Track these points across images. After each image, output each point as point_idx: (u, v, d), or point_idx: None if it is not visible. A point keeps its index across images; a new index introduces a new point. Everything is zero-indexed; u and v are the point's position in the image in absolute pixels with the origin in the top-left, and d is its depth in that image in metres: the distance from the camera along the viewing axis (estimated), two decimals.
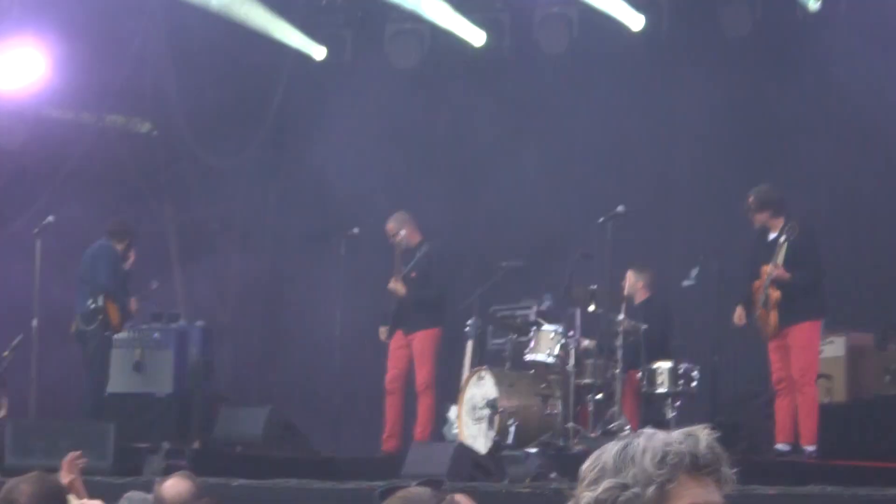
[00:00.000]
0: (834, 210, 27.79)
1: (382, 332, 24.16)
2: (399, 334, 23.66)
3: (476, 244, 27.26)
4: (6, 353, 23.52)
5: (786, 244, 20.68)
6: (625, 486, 3.68)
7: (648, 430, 3.65)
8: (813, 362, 20.97)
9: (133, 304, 23.38)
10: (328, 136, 29.68)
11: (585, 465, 3.86)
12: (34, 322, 22.92)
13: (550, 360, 21.21)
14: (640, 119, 29.66)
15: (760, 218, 21.45)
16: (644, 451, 3.60)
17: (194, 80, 28.64)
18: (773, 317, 20.64)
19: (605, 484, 3.73)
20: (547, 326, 21.71)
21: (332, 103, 30.82)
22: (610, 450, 3.79)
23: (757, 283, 21.18)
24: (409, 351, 23.68)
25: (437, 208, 27.70)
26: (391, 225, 24.98)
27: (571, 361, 21.12)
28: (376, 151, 30.12)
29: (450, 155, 30.73)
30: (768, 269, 20.50)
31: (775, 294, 20.64)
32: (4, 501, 9.86)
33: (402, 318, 23.73)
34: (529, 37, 30.32)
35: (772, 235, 21.04)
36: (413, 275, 23.92)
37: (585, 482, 3.80)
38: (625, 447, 3.70)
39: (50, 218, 23.97)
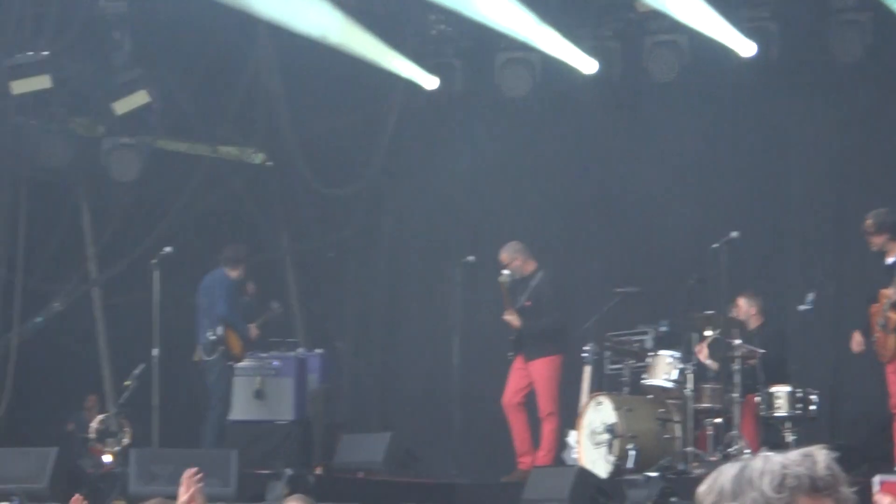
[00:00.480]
0: None
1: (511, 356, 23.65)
2: (520, 359, 23.41)
3: (591, 270, 27.02)
4: (128, 382, 23.55)
5: None
6: None
7: (766, 453, 3.59)
8: None
9: (253, 331, 23.58)
10: (440, 165, 30.12)
11: (702, 489, 3.77)
12: (155, 351, 22.87)
13: (668, 384, 21.26)
14: (752, 144, 29.56)
15: (878, 241, 21.26)
16: (762, 474, 3.52)
17: (307, 111, 28.78)
18: (892, 340, 20.45)
19: None
20: (663, 352, 21.71)
21: (444, 132, 30.99)
22: (727, 473, 3.71)
23: (875, 306, 20.89)
24: (528, 373, 23.56)
25: (552, 235, 27.71)
26: (504, 255, 24.89)
27: (690, 386, 21.17)
28: (487, 180, 29.96)
29: (562, 182, 30.03)
30: (888, 293, 20.29)
31: (894, 317, 20.43)
32: None
33: (521, 345, 23.47)
34: (639, 64, 29.45)
35: (890, 259, 20.90)
36: (528, 303, 23.72)
37: None
38: (742, 470, 3.62)
39: (168, 249, 23.94)
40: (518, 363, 23.05)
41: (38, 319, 26.05)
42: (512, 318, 23.09)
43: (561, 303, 23.82)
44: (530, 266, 24.03)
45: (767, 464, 3.54)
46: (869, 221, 21.58)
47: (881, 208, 21.82)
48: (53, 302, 26.99)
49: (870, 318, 21.02)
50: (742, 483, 3.55)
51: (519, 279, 23.74)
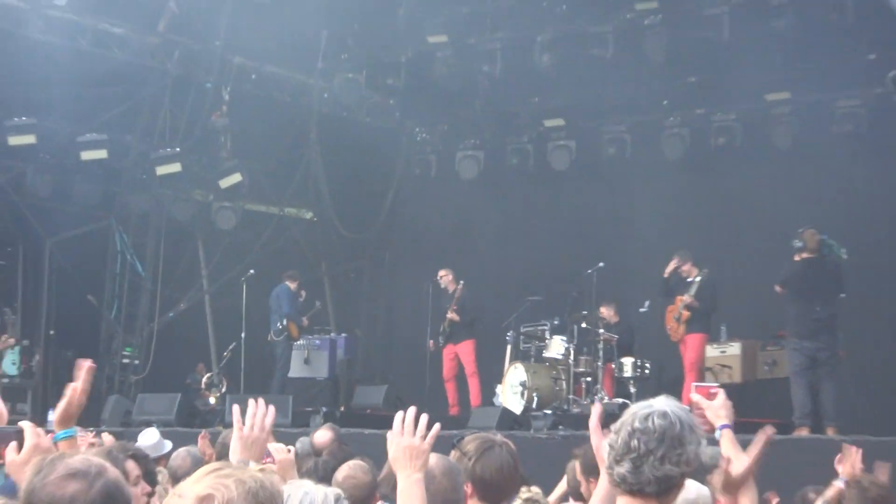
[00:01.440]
0: None
1: (431, 344, 23.55)
2: (449, 346, 23.12)
3: (512, 284, 25.26)
4: (226, 354, 24.47)
5: (698, 282, 20.41)
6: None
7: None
8: (695, 360, 20.66)
9: (304, 322, 23.71)
10: (426, 218, 29.19)
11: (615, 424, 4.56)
12: (242, 335, 23.26)
13: (559, 356, 21.00)
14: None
15: (685, 268, 20.59)
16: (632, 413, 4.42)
17: (338, 182, 28.22)
18: (682, 329, 20.63)
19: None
20: (556, 336, 21.41)
21: (429, 198, 29.76)
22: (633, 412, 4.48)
23: (670, 307, 21.13)
24: (455, 353, 23.23)
25: (493, 264, 26.28)
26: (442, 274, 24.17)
27: (571, 358, 20.93)
28: (460, 227, 27.90)
29: (517, 236, 27.11)
30: (683, 298, 20.44)
31: (686, 314, 20.43)
32: (221, 444, 9.77)
33: (451, 336, 22.96)
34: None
35: (689, 279, 20.49)
36: (455, 308, 22.92)
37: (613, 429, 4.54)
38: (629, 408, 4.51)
39: (251, 271, 24.07)
40: (447, 349, 23.11)
41: (170, 315, 26.41)
42: (453, 316, 22.76)
43: (476, 307, 23.35)
44: (454, 284, 23.29)
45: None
46: (678, 258, 20.81)
47: (685, 249, 21.06)
48: (180, 304, 26.68)
49: (666, 315, 21.12)
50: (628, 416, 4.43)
51: (451, 291, 23.34)
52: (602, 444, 4.89)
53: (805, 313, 17.63)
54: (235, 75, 25.66)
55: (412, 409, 5.31)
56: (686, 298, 20.27)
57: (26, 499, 3.74)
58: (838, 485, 8.89)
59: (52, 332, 24.65)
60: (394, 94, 27.86)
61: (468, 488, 5.98)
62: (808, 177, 22.73)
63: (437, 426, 5.30)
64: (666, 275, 21.06)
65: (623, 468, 4.33)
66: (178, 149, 24.71)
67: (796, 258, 17.86)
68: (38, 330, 24.30)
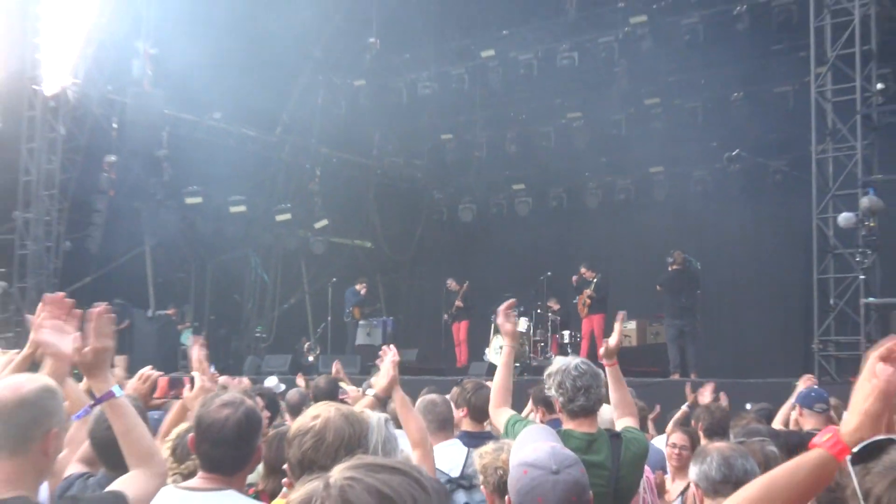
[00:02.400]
0: None
1: (446, 317, 21.85)
2: (455, 323, 21.35)
3: (495, 288, 20.63)
4: (319, 330, 23.30)
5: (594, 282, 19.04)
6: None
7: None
8: (597, 331, 19.03)
9: (365, 311, 22.03)
10: (446, 241, 27.18)
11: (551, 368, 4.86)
12: (329, 318, 22.24)
13: (523, 330, 19.01)
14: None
15: (588, 274, 19.68)
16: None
17: (386, 219, 26.83)
18: (586, 311, 19.32)
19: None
20: (522, 318, 19.25)
21: (446, 229, 27.51)
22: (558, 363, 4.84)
23: (580, 297, 19.86)
24: (459, 328, 21.36)
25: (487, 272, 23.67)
26: (450, 282, 22.60)
27: (532, 332, 19.67)
28: (467, 251, 25.81)
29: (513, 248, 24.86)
30: (587, 291, 19.44)
31: (588, 301, 19.27)
32: (314, 385, 9.02)
33: (455, 316, 21.23)
34: None
35: (590, 280, 19.51)
36: (460, 301, 21.43)
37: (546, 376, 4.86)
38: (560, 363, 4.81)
39: (334, 279, 22.83)
40: (455, 326, 21.32)
41: (284, 306, 25.20)
42: (459, 304, 21.28)
43: (473, 299, 21.31)
44: (458, 286, 21.44)
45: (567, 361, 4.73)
46: (583, 267, 19.73)
47: (587, 261, 19.92)
48: (291, 299, 25.54)
49: (578, 303, 19.64)
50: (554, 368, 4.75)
51: (456, 291, 21.36)
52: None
53: (675, 303, 17.25)
54: (323, 159, 25.38)
55: (392, 347, 5.56)
56: (587, 292, 19.41)
57: (196, 420, 3.85)
58: (683, 408, 9.26)
59: (212, 317, 24.34)
60: (420, 169, 27.12)
61: (463, 412, 6.22)
62: (677, 219, 21.68)
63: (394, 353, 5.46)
64: (574, 279, 19.92)
65: (580, 401, 4.65)
66: (289, 205, 24.33)
67: (669, 268, 17.48)
68: (203, 316, 24.02)
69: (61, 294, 4.11)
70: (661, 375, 16.46)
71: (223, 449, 3.64)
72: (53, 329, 3.86)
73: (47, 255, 21.27)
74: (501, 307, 5.52)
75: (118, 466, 3.92)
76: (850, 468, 1.99)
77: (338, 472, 1.56)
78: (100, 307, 3.61)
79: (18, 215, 21.27)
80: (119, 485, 3.28)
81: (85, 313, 3.80)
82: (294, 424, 3.47)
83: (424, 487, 1.55)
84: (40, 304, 4.10)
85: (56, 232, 21.38)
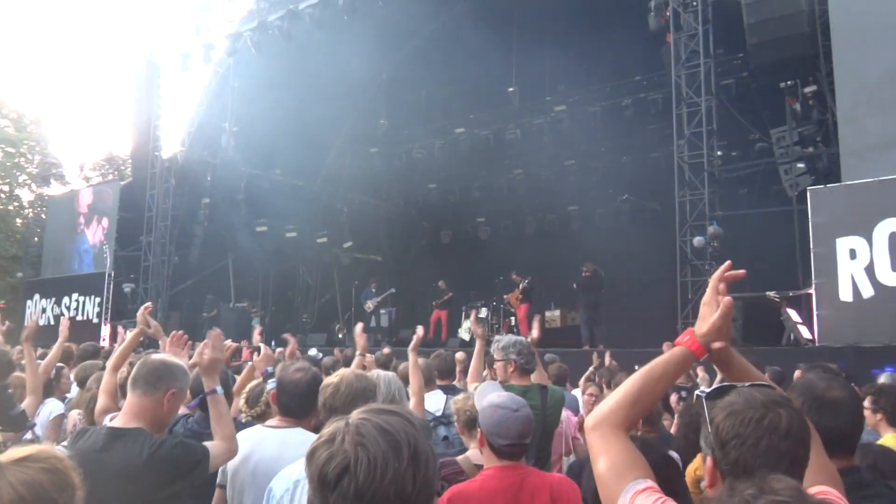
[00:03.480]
0: None
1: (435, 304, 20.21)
2: (436, 311, 19.81)
3: (465, 289, 21.21)
4: (347, 315, 22.20)
5: (525, 283, 18.33)
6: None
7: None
8: (523, 318, 18.10)
9: (370, 305, 20.59)
10: (433, 258, 25.61)
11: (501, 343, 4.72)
12: (352, 308, 21.67)
13: (483, 316, 18.29)
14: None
15: (516, 279, 18.72)
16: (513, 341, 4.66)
17: (393, 243, 26.41)
18: (516, 303, 18.50)
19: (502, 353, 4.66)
20: (483, 308, 18.93)
21: (432, 250, 26.01)
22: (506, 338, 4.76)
23: (511, 294, 18.82)
24: (440, 314, 19.95)
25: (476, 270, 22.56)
26: (441, 283, 21.02)
27: (490, 318, 18.62)
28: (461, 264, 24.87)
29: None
30: (514, 292, 18.56)
31: (516, 301, 18.52)
32: (343, 356, 8.69)
33: (441, 305, 19.90)
34: None
35: (522, 286, 18.35)
36: (445, 296, 20.09)
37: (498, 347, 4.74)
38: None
39: (355, 282, 22.51)
40: (435, 313, 19.82)
41: (322, 300, 25.01)
42: (447, 298, 19.78)
43: (452, 294, 19.99)
44: (444, 286, 20.26)
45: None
46: (514, 273, 18.87)
47: (514, 270, 18.88)
48: (327, 295, 24.95)
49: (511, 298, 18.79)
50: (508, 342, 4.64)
51: (443, 290, 20.13)
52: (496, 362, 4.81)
53: (587, 298, 16.74)
54: (349, 201, 24.88)
55: (420, 329, 5.43)
56: (516, 292, 18.49)
57: (279, 380, 3.70)
58: (591, 369, 8.96)
59: (273, 308, 23.67)
60: (413, 207, 25.54)
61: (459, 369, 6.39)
62: (587, 241, 20.05)
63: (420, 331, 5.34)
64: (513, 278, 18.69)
65: (532, 362, 4.73)
66: (325, 232, 24.01)
67: (583, 275, 16.89)
68: (267, 307, 23.39)
69: (180, 332, 4.44)
70: (576, 347, 16.28)
71: (297, 400, 3.57)
72: (173, 354, 3.95)
73: (162, 266, 21.53)
74: (472, 319, 5.82)
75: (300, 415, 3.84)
76: (704, 403, 1.88)
77: (354, 415, 1.54)
78: (216, 331, 3.61)
79: (143, 239, 21.62)
80: (209, 445, 3.25)
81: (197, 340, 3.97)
82: (324, 381, 3.41)
83: (414, 424, 1.53)
84: (169, 339, 4.46)
85: (168, 250, 21.64)
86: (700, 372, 8.30)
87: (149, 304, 4.98)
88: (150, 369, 3.16)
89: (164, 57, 21.60)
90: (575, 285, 17.52)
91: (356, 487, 1.40)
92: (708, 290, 2.06)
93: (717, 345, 2.05)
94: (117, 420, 3.17)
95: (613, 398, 2.00)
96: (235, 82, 21.12)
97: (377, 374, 3.94)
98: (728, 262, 2.11)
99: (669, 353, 2.04)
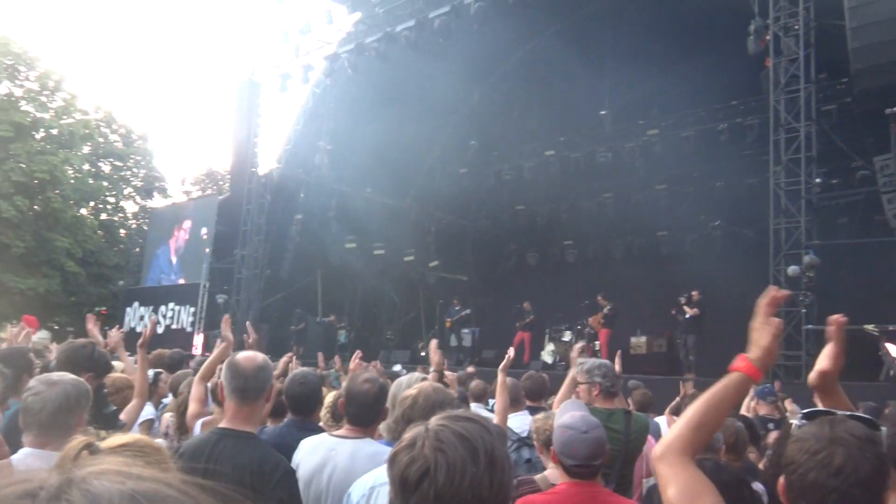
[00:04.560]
0: None
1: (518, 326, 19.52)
2: (519, 332, 19.04)
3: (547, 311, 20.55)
4: (430, 334, 21.35)
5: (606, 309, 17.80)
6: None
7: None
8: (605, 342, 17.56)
9: (448, 322, 20.86)
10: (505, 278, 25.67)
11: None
12: (436, 327, 22.01)
13: (566, 339, 18.37)
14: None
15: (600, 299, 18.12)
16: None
17: (478, 258, 26.78)
18: (599, 327, 17.91)
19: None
20: (567, 331, 18.78)
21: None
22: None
23: (594, 317, 18.12)
24: (522, 339, 18.95)
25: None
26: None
27: (574, 340, 17.93)
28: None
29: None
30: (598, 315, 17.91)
31: (602, 321, 17.89)
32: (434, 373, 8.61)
33: (523, 327, 19.35)
34: None
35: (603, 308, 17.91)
36: (529, 319, 19.54)
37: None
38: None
39: (440, 300, 22.97)
40: (520, 334, 18.94)
41: (407, 318, 26.02)
42: (529, 320, 19.30)
43: (539, 316, 19.49)
44: (529, 306, 19.71)
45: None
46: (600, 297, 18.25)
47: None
48: (412, 313, 25.67)
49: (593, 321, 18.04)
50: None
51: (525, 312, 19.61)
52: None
53: (694, 324, 16.02)
54: (437, 220, 25.08)
55: (511, 351, 5.40)
56: (598, 315, 18.01)
57: (346, 391, 3.72)
58: (677, 399, 8.37)
59: (359, 324, 24.08)
60: (501, 228, 25.27)
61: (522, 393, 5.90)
62: (676, 267, 19.36)
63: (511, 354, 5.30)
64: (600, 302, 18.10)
65: (617, 384, 4.66)
66: (412, 250, 24.07)
67: (693, 298, 16.18)
68: (353, 322, 23.83)
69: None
70: (661, 374, 15.90)
71: (365, 410, 3.61)
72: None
73: (255, 279, 22.30)
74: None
75: (305, 413, 4.24)
76: (795, 424, 1.92)
77: (433, 421, 1.57)
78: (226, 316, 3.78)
79: (238, 252, 22.47)
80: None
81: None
82: (403, 393, 3.40)
83: (490, 431, 1.55)
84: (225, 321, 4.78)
85: (261, 264, 22.42)
86: (789, 405, 8.15)
87: (227, 316, 5.13)
88: (256, 374, 3.19)
89: (264, 77, 22.59)
90: (682, 310, 16.83)
91: (436, 490, 1.45)
92: (757, 314, 2.10)
93: (825, 369, 2.16)
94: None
95: (677, 426, 2.06)
96: (331, 102, 21.96)
97: (402, 379, 3.95)
98: (773, 287, 2.14)
99: (727, 379, 2.09)
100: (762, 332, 2.08)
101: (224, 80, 57.99)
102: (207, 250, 23.34)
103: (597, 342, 18.53)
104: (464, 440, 1.50)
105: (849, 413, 1.93)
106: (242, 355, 3.22)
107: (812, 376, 2.27)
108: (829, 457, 1.76)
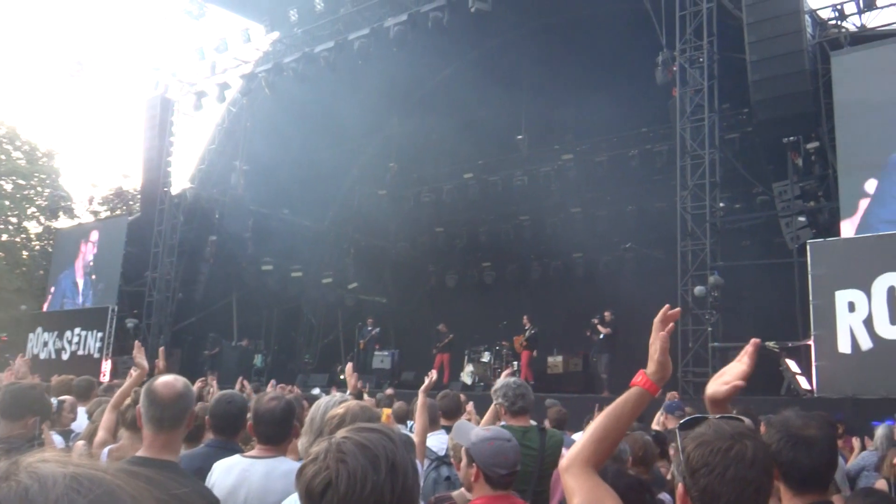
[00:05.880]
0: None
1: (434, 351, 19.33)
2: (438, 355, 18.98)
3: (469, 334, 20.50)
4: (348, 357, 20.48)
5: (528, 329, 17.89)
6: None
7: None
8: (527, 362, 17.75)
9: (362, 344, 20.75)
10: (427, 300, 25.57)
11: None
12: (355, 349, 20.90)
13: (486, 360, 18.67)
14: None
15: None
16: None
17: (395, 286, 27.72)
18: (520, 348, 18.02)
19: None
20: (486, 352, 18.87)
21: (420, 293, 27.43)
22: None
23: (517, 337, 18.17)
24: (442, 361, 18.62)
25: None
26: (442, 326, 20.17)
27: (492, 361, 18.62)
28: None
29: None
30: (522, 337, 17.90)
31: (524, 343, 17.89)
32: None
33: (441, 349, 19.29)
34: None
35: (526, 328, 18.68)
36: (446, 340, 19.51)
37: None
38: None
39: (359, 323, 22.20)
40: (439, 356, 18.87)
41: (325, 341, 25.61)
42: (447, 341, 19.36)
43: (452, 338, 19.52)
44: (445, 328, 19.72)
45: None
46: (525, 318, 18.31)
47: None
48: (330, 336, 25.37)
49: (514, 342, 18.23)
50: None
51: (443, 332, 19.62)
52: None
53: (609, 344, 16.60)
54: (356, 242, 25.32)
55: (433, 373, 5.50)
56: (521, 337, 18.01)
57: (253, 411, 3.67)
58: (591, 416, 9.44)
59: (276, 347, 23.94)
60: (419, 250, 25.60)
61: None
62: (590, 289, 20.52)
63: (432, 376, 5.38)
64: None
65: (519, 403, 4.65)
66: (331, 272, 24.46)
67: (606, 320, 16.67)
68: (270, 346, 23.58)
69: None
70: (577, 393, 16.21)
71: (274, 428, 3.59)
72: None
73: (166, 302, 21.81)
74: (348, 372, 5.52)
75: (230, 433, 4.17)
76: (678, 433, 1.95)
77: (338, 434, 1.61)
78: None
79: (149, 275, 21.94)
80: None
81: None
82: (330, 412, 3.35)
83: (393, 439, 1.59)
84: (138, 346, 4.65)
85: (173, 286, 21.95)
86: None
87: (138, 342, 5.06)
88: (174, 403, 3.11)
89: (178, 94, 22.35)
90: (596, 330, 17.26)
91: (339, 499, 1.50)
92: (653, 331, 2.20)
93: (739, 385, 2.20)
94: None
95: (581, 440, 2.16)
96: (248, 122, 21.79)
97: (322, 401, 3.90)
98: (667, 305, 2.22)
99: (627, 394, 2.17)
100: (655, 346, 2.17)
101: (136, 96, 56.53)
102: (116, 273, 22.73)
103: (515, 362, 18.74)
104: (365, 449, 1.55)
105: (720, 415, 2.01)
106: (161, 381, 3.10)
107: (725, 390, 2.23)
108: (741, 450, 1.82)
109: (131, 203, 32.89)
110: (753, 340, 2.30)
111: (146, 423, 3.03)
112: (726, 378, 2.22)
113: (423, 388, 5.17)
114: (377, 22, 17.88)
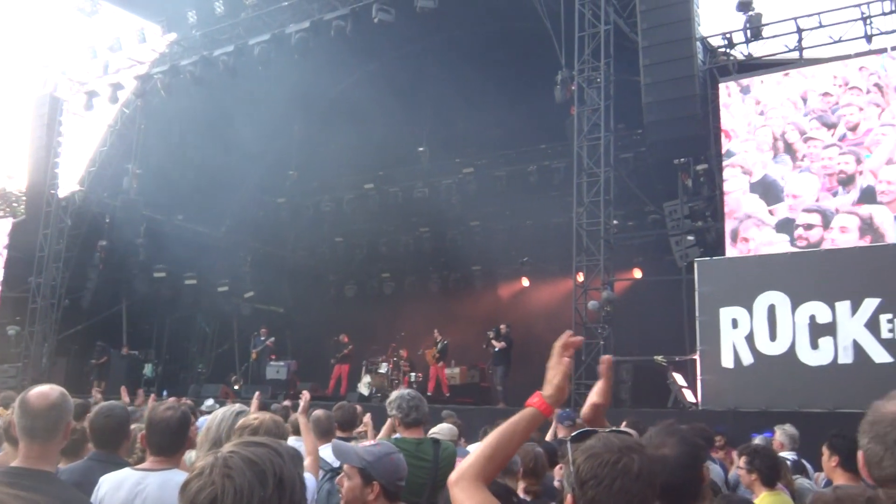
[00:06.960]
0: None
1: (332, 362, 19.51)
2: (337, 366, 19.03)
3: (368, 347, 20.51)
4: (242, 368, 21.34)
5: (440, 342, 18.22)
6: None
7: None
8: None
9: (254, 354, 20.41)
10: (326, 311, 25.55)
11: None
12: (250, 360, 20.56)
13: (383, 371, 18.45)
14: None
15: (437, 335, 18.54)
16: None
17: (294, 294, 26.98)
18: (433, 361, 18.36)
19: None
20: (384, 364, 18.79)
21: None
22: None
23: (429, 351, 18.61)
24: (340, 373, 19.09)
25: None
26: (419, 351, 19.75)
27: (389, 372, 18.59)
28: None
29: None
30: (433, 349, 18.19)
31: (436, 355, 18.21)
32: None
33: (339, 360, 19.23)
34: None
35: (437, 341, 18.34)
36: (347, 351, 19.36)
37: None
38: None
39: (255, 333, 21.49)
40: (338, 366, 19.36)
41: (220, 350, 25.46)
42: (347, 352, 19.23)
43: (352, 351, 19.44)
44: (347, 338, 19.52)
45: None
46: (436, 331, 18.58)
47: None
48: (225, 346, 24.79)
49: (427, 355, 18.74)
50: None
51: (343, 343, 19.54)
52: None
53: (504, 356, 16.67)
54: (253, 250, 24.71)
55: (307, 393, 5.31)
56: (433, 349, 18.43)
57: (148, 421, 3.60)
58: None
59: (167, 357, 23.33)
60: (319, 260, 25.83)
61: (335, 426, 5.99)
62: (490, 302, 21.78)
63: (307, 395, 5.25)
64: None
65: (413, 415, 4.59)
66: (227, 280, 23.62)
67: (501, 332, 16.69)
68: (161, 356, 22.99)
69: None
70: (475, 404, 16.39)
71: (168, 437, 3.53)
72: None
73: (51, 309, 20.77)
74: (303, 403, 5.29)
75: (112, 447, 4.04)
76: (569, 445, 2.01)
77: (225, 448, 1.59)
78: None
79: (32, 280, 20.84)
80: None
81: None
82: (240, 421, 3.43)
83: (281, 454, 1.58)
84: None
85: (59, 293, 20.93)
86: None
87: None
88: (45, 414, 3.03)
89: (67, 93, 21.33)
90: (491, 344, 17.28)
91: None
92: (553, 355, 2.23)
93: (597, 402, 2.40)
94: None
95: (472, 455, 2.19)
96: (142, 124, 20.93)
97: (220, 411, 3.85)
98: (569, 332, 2.27)
99: (520, 414, 2.20)
100: (555, 371, 2.23)
101: (23, 94, 53.85)
102: None
103: (412, 374, 19.18)
104: (252, 465, 1.52)
105: (609, 429, 2.09)
106: (35, 391, 3.03)
107: (585, 410, 2.48)
108: (628, 464, 1.88)
109: (15, 205, 31.32)
110: (604, 357, 2.51)
111: (19, 434, 2.98)
112: (590, 398, 2.42)
113: (300, 409, 5.16)
114: (279, 28, 17.57)
